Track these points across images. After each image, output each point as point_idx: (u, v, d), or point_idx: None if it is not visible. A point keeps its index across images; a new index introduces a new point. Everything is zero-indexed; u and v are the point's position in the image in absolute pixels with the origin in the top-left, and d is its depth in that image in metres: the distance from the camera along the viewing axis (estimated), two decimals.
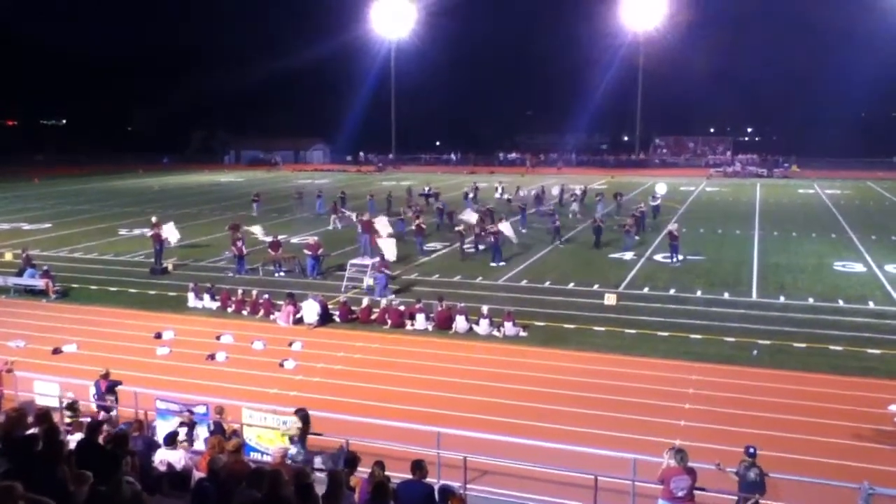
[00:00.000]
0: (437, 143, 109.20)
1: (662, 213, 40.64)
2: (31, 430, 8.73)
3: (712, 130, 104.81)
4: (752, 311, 22.10)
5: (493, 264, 28.32)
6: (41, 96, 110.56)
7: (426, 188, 49.19)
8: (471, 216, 33.73)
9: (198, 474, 9.27)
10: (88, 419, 11.37)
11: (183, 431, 11.96)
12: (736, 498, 9.88)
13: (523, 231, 35.98)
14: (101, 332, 20.84)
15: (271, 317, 21.86)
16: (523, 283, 26.19)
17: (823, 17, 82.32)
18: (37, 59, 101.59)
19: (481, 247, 31.23)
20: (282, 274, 27.65)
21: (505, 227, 30.56)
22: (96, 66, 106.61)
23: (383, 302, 21.79)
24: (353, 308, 21.90)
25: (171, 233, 31.25)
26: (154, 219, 34.00)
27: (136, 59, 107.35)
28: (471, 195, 46.24)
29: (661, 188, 46.81)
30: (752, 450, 10.10)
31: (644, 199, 43.88)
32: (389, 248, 26.88)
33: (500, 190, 49.16)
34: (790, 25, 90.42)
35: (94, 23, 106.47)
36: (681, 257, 29.10)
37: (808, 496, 10.83)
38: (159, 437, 11.22)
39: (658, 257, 30.24)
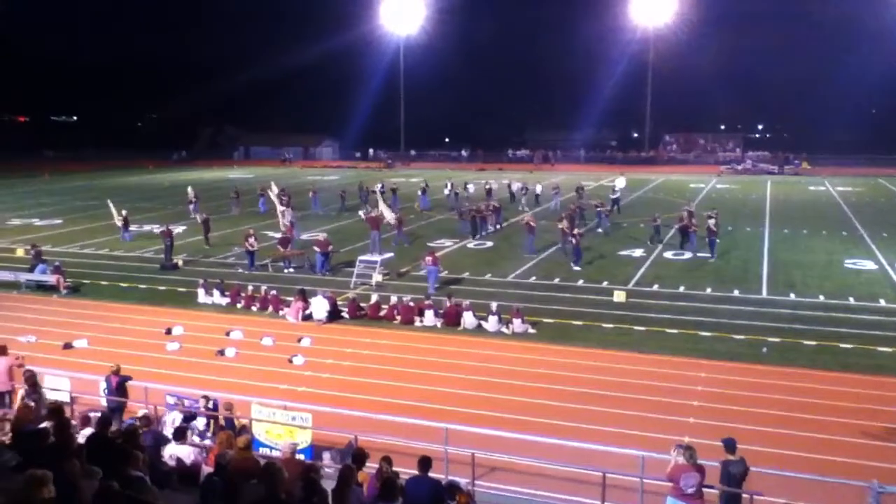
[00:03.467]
0: (447, 140, 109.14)
1: (708, 208, 40.12)
2: (42, 425, 8.79)
3: (723, 127, 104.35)
4: (762, 308, 22.01)
5: (575, 267, 27.44)
6: (51, 93, 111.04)
7: (380, 185, 48.75)
8: (389, 214, 33.33)
9: (207, 469, 9.31)
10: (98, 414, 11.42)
11: (201, 423, 12.08)
12: (747, 495, 9.84)
13: (599, 231, 35.47)
14: (111, 327, 20.97)
15: (280, 313, 21.92)
16: (532, 279, 26.17)
17: (834, 14, 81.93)
18: (48, 57, 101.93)
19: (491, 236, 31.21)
20: (291, 270, 27.73)
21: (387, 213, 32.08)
22: (107, 64, 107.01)
23: (393, 299, 21.81)
24: (362, 304, 21.96)
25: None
26: (124, 212, 34.93)
27: (147, 57, 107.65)
28: (424, 191, 46.43)
29: (620, 182, 47.24)
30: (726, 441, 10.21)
31: (687, 202, 42.61)
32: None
33: (449, 186, 49.08)
34: (800, 22, 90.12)
35: (105, 21, 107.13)
36: (716, 254, 29.19)
37: (818, 494, 10.79)
38: (168, 431, 11.28)
39: (668, 254, 30.16)
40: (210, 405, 12.75)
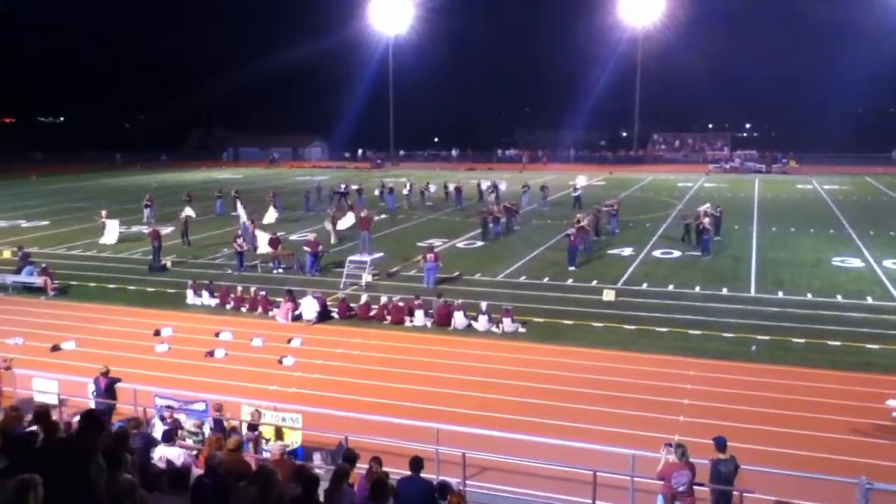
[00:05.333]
0: (436, 140, 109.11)
1: (696, 207, 40.15)
2: (31, 428, 8.73)
3: (711, 126, 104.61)
4: (751, 306, 22.11)
5: (570, 268, 27.24)
6: (39, 93, 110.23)
7: (342, 186, 48.53)
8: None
9: (197, 471, 9.27)
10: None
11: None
12: (738, 493, 9.88)
13: (617, 232, 35.08)
14: (99, 329, 20.85)
15: (270, 313, 21.86)
16: (522, 279, 26.20)
17: (821, 13, 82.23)
18: (35, 57, 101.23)
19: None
20: (280, 271, 27.66)
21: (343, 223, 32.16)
22: (94, 65, 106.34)
23: (383, 299, 21.78)
24: (352, 305, 21.93)
25: (112, 232, 34.09)
26: (104, 213, 35.07)
27: (134, 57, 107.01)
28: (391, 191, 46.66)
29: (581, 180, 48.33)
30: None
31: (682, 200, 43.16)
32: (263, 240, 28.91)
33: (408, 187, 49.34)
34: (788, 21, 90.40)
35: (93, 22, 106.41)
36: (710, 253, 29.42)
37: (807, 491, 10.85)
38: (157, 433, 11.21)
39: (657, 253, 30.25)
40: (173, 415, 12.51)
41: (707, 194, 50.81)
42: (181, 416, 12.48)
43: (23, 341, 19.53)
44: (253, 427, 12.12)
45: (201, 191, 48.00)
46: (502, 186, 48.12)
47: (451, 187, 48.01)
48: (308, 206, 44.39)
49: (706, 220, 30.10)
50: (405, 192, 47.89)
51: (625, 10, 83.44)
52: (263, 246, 28.54)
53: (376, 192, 47.33)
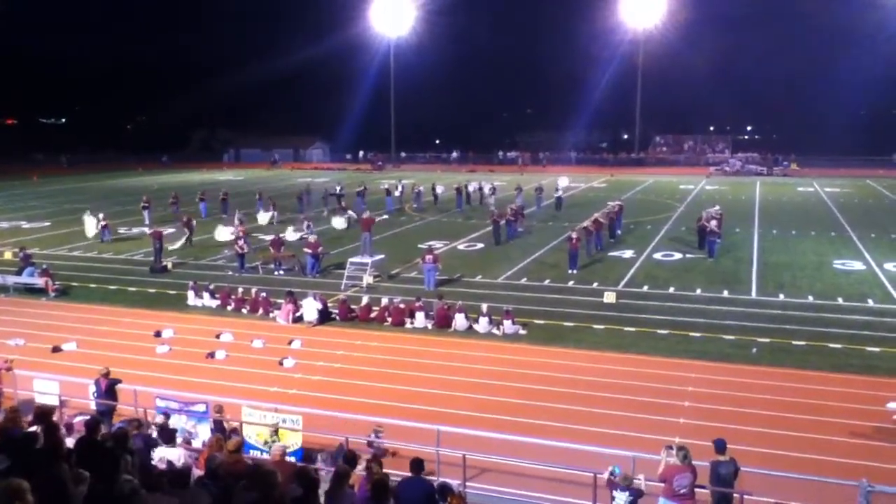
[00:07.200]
0: (437, 142, 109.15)
1: (696, 209, 40.22)
2: (31, 428, 8.72)
3: (712, 129, 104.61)
4: (752, 309, 22.09)
5: (571, 271, 27.02)
6: (40, 94, 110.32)
7: (337, 187, 48.34)
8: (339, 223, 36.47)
9: (198, 472, 9.26)
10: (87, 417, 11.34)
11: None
12: (738, 496, 9.88)
13: (619, 233, 34.85)
14: (100, 330, 20.86)
15: (271, 315, 21.86)
16: (523, 281, 26.18)
17: (823, 15, 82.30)
18: (35, 58, 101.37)
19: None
20: (281, 272, 27.67)
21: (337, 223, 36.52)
22: (95, 65, 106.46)
23: (384, 301, 21.77)
24: (353, 306, 21.92)
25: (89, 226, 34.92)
26: (101, 215, 35.20)
27: (135, 58, 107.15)
28: (388, 192, 47.04)
29: (563, 181, 49.22)
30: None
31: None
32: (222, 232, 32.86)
33: (399, 189, 49.63)
34: (790, 23, 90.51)
35: (93, 22, 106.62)
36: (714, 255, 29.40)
37: (808, 494, 10.83)
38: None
39: (658, 255, 30.24)
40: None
41: (708, 196, 50.80)
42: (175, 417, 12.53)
43: (24, 342, 19.54)
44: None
45: (202, 192, 47.84)
46: (486, 188, 48.24)
47: (439, 189, 48.68)
48: (302, 208, 44.40)
49: (713, 224, 30.09)
50: (396, 193, 48.23)
51: (626, 12, 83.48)
52: (222, 235, 32.42)
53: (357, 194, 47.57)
